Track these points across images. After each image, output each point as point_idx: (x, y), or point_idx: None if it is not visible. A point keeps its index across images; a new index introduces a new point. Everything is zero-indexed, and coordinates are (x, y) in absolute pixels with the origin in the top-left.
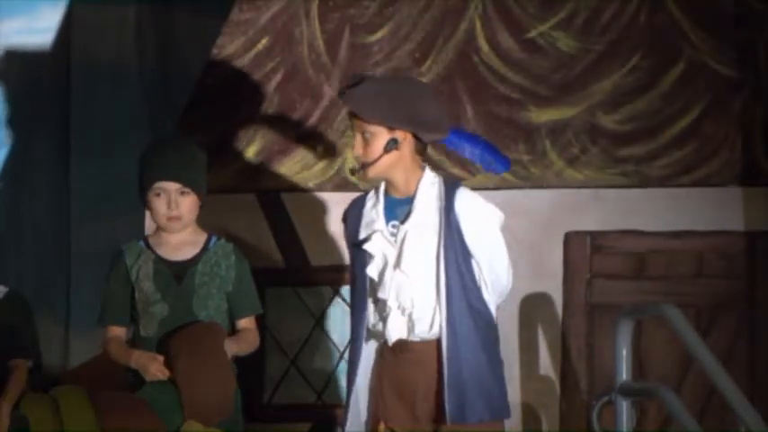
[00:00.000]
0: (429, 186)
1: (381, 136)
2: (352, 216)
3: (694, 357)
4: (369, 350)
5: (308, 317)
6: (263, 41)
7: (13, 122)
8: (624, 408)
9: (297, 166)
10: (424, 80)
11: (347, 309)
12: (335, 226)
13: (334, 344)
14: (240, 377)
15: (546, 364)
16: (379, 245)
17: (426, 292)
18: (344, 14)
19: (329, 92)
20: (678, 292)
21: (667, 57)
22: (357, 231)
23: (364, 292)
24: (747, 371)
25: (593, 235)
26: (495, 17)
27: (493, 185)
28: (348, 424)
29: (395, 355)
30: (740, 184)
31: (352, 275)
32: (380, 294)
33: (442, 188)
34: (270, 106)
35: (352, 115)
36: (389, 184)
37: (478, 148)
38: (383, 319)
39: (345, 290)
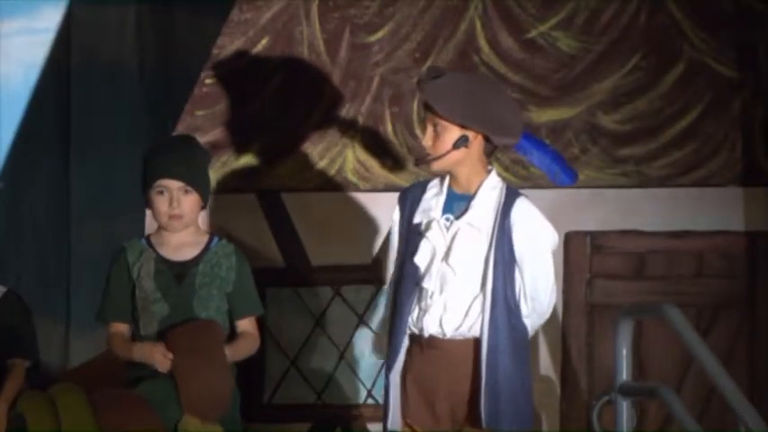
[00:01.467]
0: (491, 189)
1: (452, 131)
2: (411, 199)
3: (694, 357)
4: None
5: (308, 317)
6: (264, 41)
7: (13, 122)
8: (624, 408)
9: (297, 166)
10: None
11: (348, 309)
12: (336, 226)
13: (334, 344)
14: (240, 377)
15: (546, 364)
16: (432, 235)
17: (470, 291)
18: (345, 14)
19: (329, 92)
20: (678, 292)
21: (667, 57)
22: (412, 215)
23: (410, 280)
24: (747, 371)
25: (593, 235)
26: (496, 17)
27: None
28: (389, 421)
29: (421, 351)
30: (740, 184)
31: (398, 262)
32: (425, 284)
33: (503, 194)
34: (270, 106)
35: (426, 107)
36: (452, 178)
37: (548, 157)
38: (423, 309)
39: (345, 290)
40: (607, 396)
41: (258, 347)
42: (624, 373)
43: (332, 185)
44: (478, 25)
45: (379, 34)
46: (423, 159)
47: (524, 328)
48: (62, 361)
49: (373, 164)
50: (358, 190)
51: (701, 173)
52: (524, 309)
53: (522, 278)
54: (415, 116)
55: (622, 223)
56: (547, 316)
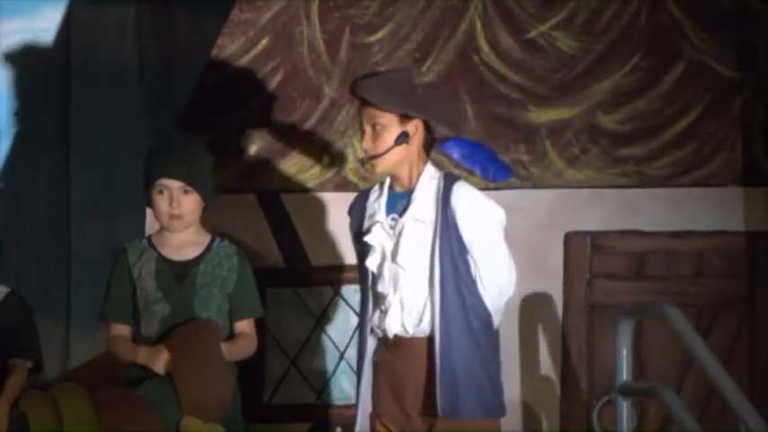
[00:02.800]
0: (429, 180)
1: (393, 128)
2: (357, 209)
3: (694, 357)
4: (370, 346)
5: (309, 317)
6: (264, 42)
7: (13, 122)
8: (624, 408)
9: (297, 166)
10: (425, 80)
11: (347, 309)
12: (335, 226)
13: (334, 344)
14: (240, 377)
15: (546, 364)
16: (378, 237)
17: (420, 286)
18: (345, 14)
19: (329, 92)
20: (678, 292)
21: (667, 57)
22: (361, 224)
23: (367, 284)
24: (747, 371)
25: (593, 235)
26: (496, 17)
27: (493, 185)
28: (359, 421)
29: (389, 351)
30: (740, 184)
31: (359, 268)
32: (380, 288)
33: (442, 182)
34: (270, 106)
35: (363, 106)
36: (394, 178)
37: (481, 156)
38: (383, 312)
39: (345, 290)
40: (607, 396)
41: (256, 349)
42: (624, 373)
43: (332, 185)
44: (478, 25)
45: (379, 34)
46: (366, 159)
47: (485, 312)
48: (62, 361)
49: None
50: (358, 190)
51: (701, 173)
52: (482, 291)
53: (474, 262)
54: None
55: (622, 223)
56: (509, 293)
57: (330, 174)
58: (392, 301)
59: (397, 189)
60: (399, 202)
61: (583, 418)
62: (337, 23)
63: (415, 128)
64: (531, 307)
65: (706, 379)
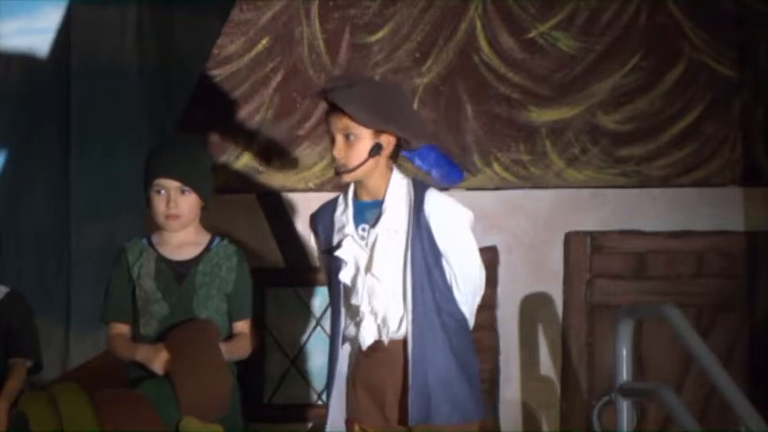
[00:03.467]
0: (398, 188)
1: (366, 139)
2: (323, 222)
3: (694, 357)
4: (343, 353)
5: (309, 317)
6: (264, 41)
7: (13, 122)
8: (624, 408)
9: (297, 166)
10: (425, 80)
11: None
12: None
13: None
14: (240, 377)
15: (546, 364)
16: (350, 250)
17: (395, 296)
18: (345, 15)
19: None
20: (678, 292)
21: (667, 57)
22: (330, 237)
23: (339, 297)
24: (747, 371)
25: (594, 235)
26: (496, 17)
27: (493, 186)
28: (329, 425)
29: (366, 356)
30: (740, 184)
31: (327, 281)
32: (353, 300)
33: (411, 190)
34: (270, 106)
35: (334, 113)
36: (360, 188)
37: (432, 157)
38: (357, 324)
39: None
40: (607, 396)
41: (253, 349)
42: (624, 374)
43: (332, 185)
44: (478, 25)
45: (380, 34)
46: (340, 171)
47: (461, 317)
48: (62, 361)
49: None
50: None
51: (701, 173)
52: (458, 296)
53: (450, 266)
54: None
55: (622, 223)
56: (482, 291)
57: (330, 174)
58: (365, 312)
59: (364, 198)
60: (368, 211)
61: (583, 419)
62: (337, 23)
63: (388, 140)
64: (531, 307)
65: (706, 379)
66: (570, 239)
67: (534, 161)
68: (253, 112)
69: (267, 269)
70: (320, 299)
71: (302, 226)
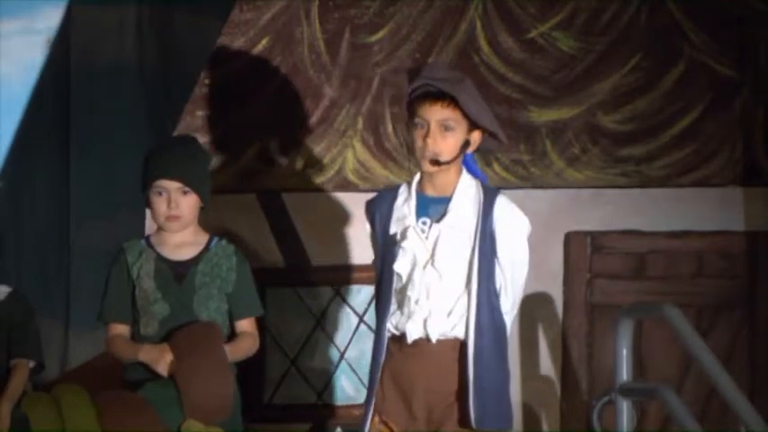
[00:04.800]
0: (467, 188)
1: (461, 133)
2: (382, 210)
3: (694, 357)
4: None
5: (309, 317)
6: (264, 42)
7: (12, 122)
8: (624, 408)
9: (297, 166)
10: None
11: (347, 309)
12: (336, 226)
13: (334, 344)
14: (240, 377)
15: (546, 364)
16: (412, 242)
17: (456, 293)
18: (345, 15)
19: (329, 92)
20: (678, 292)
21: (667, 57)
22: (386, 226)
23: (390, 288)
24: (747, 371)
25: (594, 235)
26: (496, 17)
27: (493, 186)
28: (369, 422)
29: (400, 350)
30: (740, 184)
31: (379, 271)
32: (409, 292)
33: (481, 193)
34: (270, 106)
35: (430, 100)
36: (426, 181)
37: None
38: (406, 316)
39: (346, 290)
40: (607, 396)
41: (258, 348)
42: (624, 373)
43: (332, 185)
44: (478, 25)
45: (380, 34)
46: (438, 162)
47: (504, 324)
48: (62, 361)
49: (373, 164)
50: (358, 190)
51: (701, 173)
52: (505, 305)
53: (503, 275)
54: None
55: (622, 223)
56: (517, 308)
57: (330, 174)
58: (421, 306)
59: (429, 193)
60: (432, 206)
61: (583, 419)
62: (337, 23)
63: (475, 137)
64: (531, 307)
65: (706, 379)
66: (570, 239)
67: (534, 161)
68: (253, 113)
69: (267, 269)
70: (320, 299)
71: (302, 226)
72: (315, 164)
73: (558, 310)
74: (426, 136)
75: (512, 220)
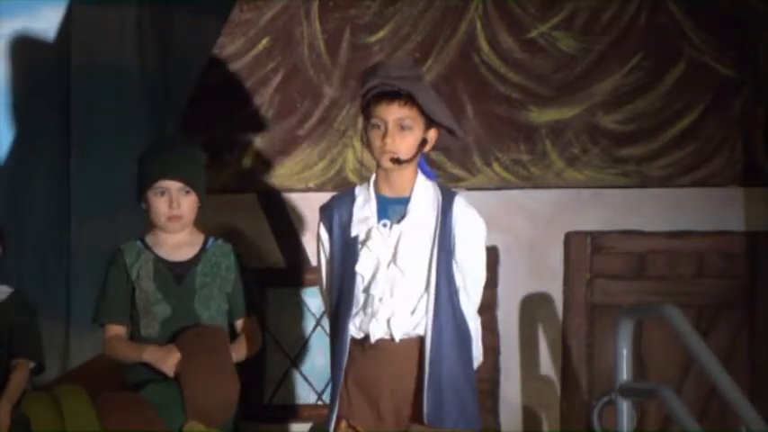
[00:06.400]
0: (424, 188)
1: (418, 132)
2: (340, 213)
3: (694, 357)
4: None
5: (309, 317)
6: (264, 42)
7: (13, 122)
8: (625, 408)
9: (297, 166)
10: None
11: None
12: None
13: None
14: (240, 377)
15: (546, 364)
16: (374, 242)
17: (418, 292)
18: (345, 15)
19: (329, 92)
20: (678, 292)
21: (668, 57)
22: (347, 229)
23: (352, 289)
24: (747, 371)
25: (594, 235)
26: (496, 17)
27: (493, 185)
28: (332, 423)
29: (364, 352)
30: (740, 184)
31: (335, 274)
32: (373, 291)
33: (439, 193)
34: (270, 106)
35: (388, 99)
36: (383, 182)
37: None
38: (370, 316)
39: None
40: (607, 396)
41: (261, 345)
42: (624, 373)
43: (332, 185)
44: (478, 25)
45: (380, 34)
46: (398, 161)
47: (467, 325)
48: (62, 361)
49: (373, 164)
50: None
51: (701, 173)
52: (465, 304)
53: (462, 274)
54: None
55: (623, 223)
56: (477, 307)
57: (330, 174)
58: (385, 304)
59: (386, 193)
60: (392, 207)
61: (583, 419)
62: (337, 23)
63: (432, 136)
64: (531, 307)
65: (706, 379)
66: (570, 239)
67: (534, 161)
68: (253, 113)
69: (267, 269)
70: (320, 299)
71: (302, 226)
72: (315, 164)
73: (558, 310)
74: (385, 135)
75: (470, 221)
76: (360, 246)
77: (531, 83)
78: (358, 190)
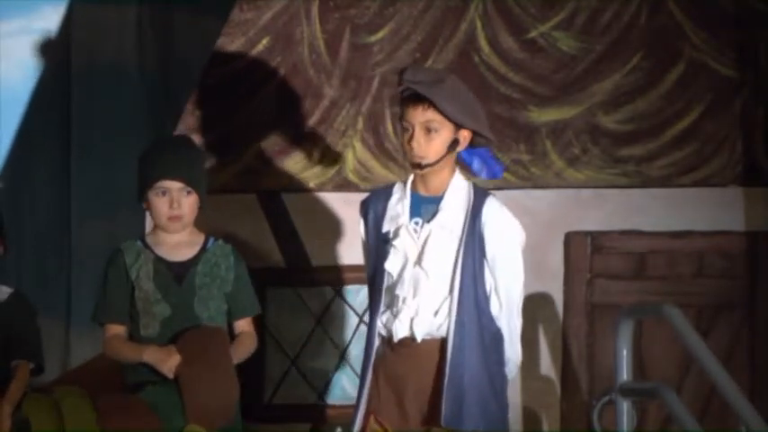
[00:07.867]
0: (459, 189)
1: (446, 134)
2: (376, 209)
3: (694, 357)
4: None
5: (309, 317)
6: (264, 42)
7: (13, 122)
8: (625, 408)
9: (297, 166)
10: None
11: (348, 309)
12: (336, 226)
13: (334, 344)
14: (240, 377)
15: (546, 364)
16: (404, 241)
17: (441, 292)
18: (345, 14)
19: (329, 92)
20: (678, 292)
21: (668, 57)
22: (380, 225)
23: (381, 286)
24: (747, 371)
25: (594, 235)
26: (496, 17)
27: (493, 185)
28: (358, 421)
29: (393, 350)
30: (740, 184)
31: (371, 270)
32: (398, 291)
33: (472, 193)
34: (270, 106)
35: (412, 102)
36: (419, 181)
37: (477, 150)
38: (394, 314)
39: (346, 290)
40: (607, 396)
41: (256, 346)
42: (624, 373)
43: (332, 185)
44: (479, 25)
45: (380, 34)
46: (420, 166)
47: (495, 329)
48: (62, 361)
49: (373, 164)
50: (358, 190)
51: (701, 173)
52: (495, 307)
53: (494, 277)
54: None
55: (623, 223)
56: (518, 314)
57: (330, 174)
58: (408, 305)
59: (422, 192)
60: (424, 206)
61: (583, 419)
62: (337, 23)
63: (464, 136)
64: (531, 307)
65: (706, 379)
66: (570, 239)
67: (534, 161)
68: (253, 112)
69: (267, 269)
70: (321, 299)
71: (302, 226)
72: (315, 164)
73: (558, 310)
74: (411, 139)
75: (501, 222)
76: (390, 243)
77: (531, 83)
78: (396, 186)
